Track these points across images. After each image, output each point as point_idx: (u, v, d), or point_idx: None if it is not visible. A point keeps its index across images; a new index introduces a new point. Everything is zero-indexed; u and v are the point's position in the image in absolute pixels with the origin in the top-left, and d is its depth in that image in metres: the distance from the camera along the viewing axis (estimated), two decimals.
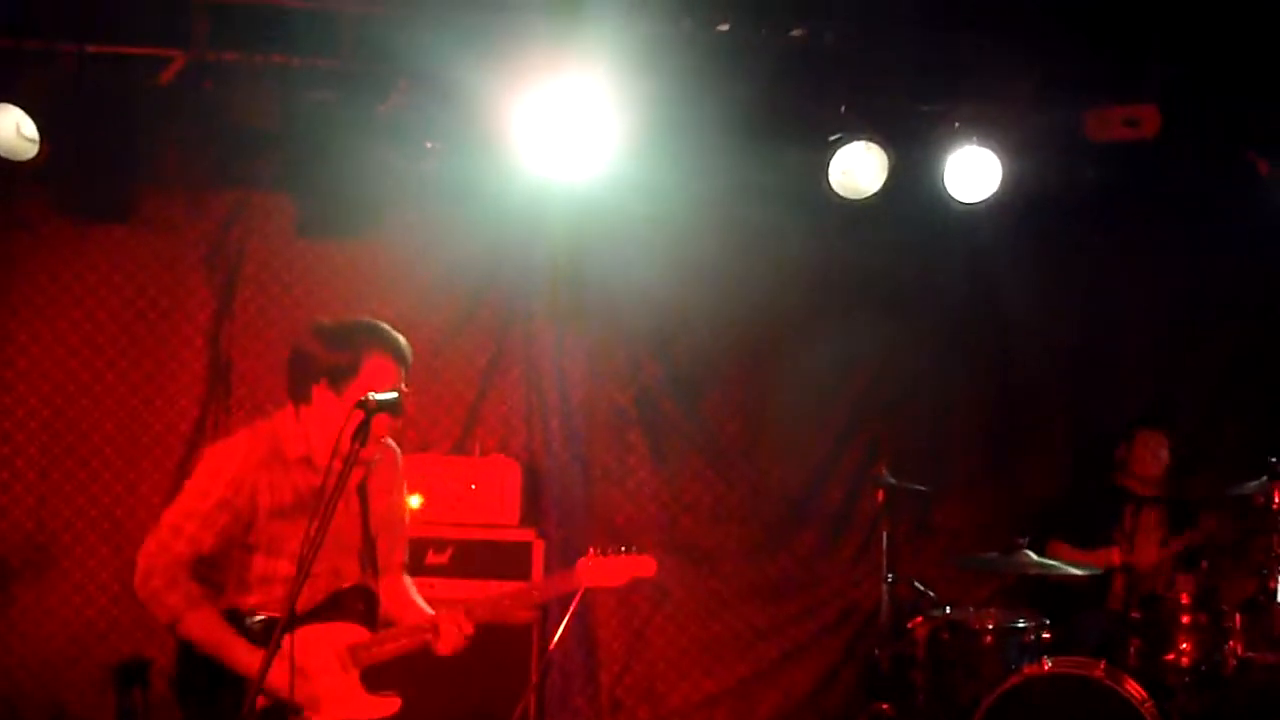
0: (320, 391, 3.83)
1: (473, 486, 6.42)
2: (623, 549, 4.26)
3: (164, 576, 3.74)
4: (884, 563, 6.54)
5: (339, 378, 3.79)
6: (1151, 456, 6.76)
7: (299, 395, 3.89)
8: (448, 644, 3.97)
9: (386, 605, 4.04)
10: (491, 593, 4.09)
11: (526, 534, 6.35)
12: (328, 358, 3.83)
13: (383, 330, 3.95)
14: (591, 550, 4.25)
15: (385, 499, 4.09)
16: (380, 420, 3.63)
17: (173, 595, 3.73)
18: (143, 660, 6.11)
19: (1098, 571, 6.20)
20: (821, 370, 7.33)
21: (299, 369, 3.90)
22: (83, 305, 6.64)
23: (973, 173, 6.50)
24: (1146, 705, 5.53)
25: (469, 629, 3.96)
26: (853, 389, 7.40)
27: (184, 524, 3.78)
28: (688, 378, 7.20)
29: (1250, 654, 5.78)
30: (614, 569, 4.23)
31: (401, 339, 3.93)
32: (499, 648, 5.99)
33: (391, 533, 4.16)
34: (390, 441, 4.07)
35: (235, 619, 3.80)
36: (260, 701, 3.46)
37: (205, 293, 6.77)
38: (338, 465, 3.51)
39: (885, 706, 6.38)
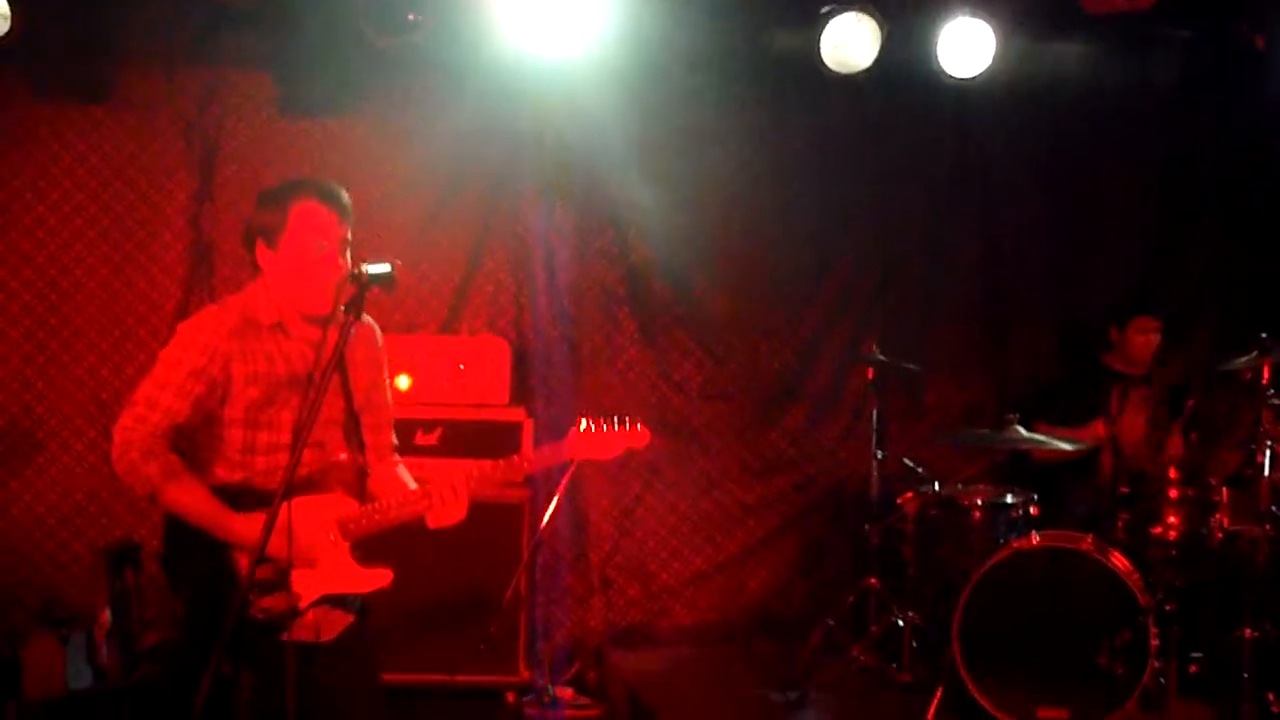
0: (262, 253, 3.85)
1: (461, 366, 6.39)
2: (615, 420, 4.19)
3: (141, 449, 3.72)
4: (873, 440, 6.56)
5: (271, 234, 3.82)
6: (1144, 341, 6.76)
7: (254, 265, 3.90)
8: (440, 514, 3.92)
9: (379, 489, 4.01)
10: (483, 466, 4.02)
11: (516, 413, 6.33)
12: (259, 218, 3.87)
13: (310, 179, 3.97)
14: (583, 421, 4.16)
15: (365, 373, 4.05)
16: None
17: (150, 466, 3.71)
18: (133, 542, 6.11)
19: (1085, 446, 6.24)
20: (811, 248, 7.31)
21: (244, 239, 3.94)
22: (60, 187, 6.51)
23: (966, 47, 6.43)
24: (1133, 577, 5.60)
25: (462, 497, 3.91)
26: (842, 266, 7.39)
27: (158, 395, 3.76)
28: (677, 256, 7.14)
29: (1236, 527, 5.83)
30: (606, 441, 4.16)
31: (334, 185, 3.90)
32: (489, 528, 6.00)
33: (375, 411, 4.12)
34: (368, 318, 4.02)
35: (223, 494, 3.78)
36: (259, 572, 3.43)
37: (184, 173, 6.65)
38: (332, 336, 3.50)
39: (874, 581, 6.44)
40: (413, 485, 4.03)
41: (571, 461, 4.22)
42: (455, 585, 6.01)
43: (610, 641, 6.95)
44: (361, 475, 3.97)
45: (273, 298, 3.88)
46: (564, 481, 5.55)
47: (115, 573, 5.90)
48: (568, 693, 6.41)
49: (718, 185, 7.12)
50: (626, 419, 4.21)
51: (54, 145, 6.51)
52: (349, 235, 3.86)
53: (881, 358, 6.53)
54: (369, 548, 3.97)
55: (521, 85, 6.65)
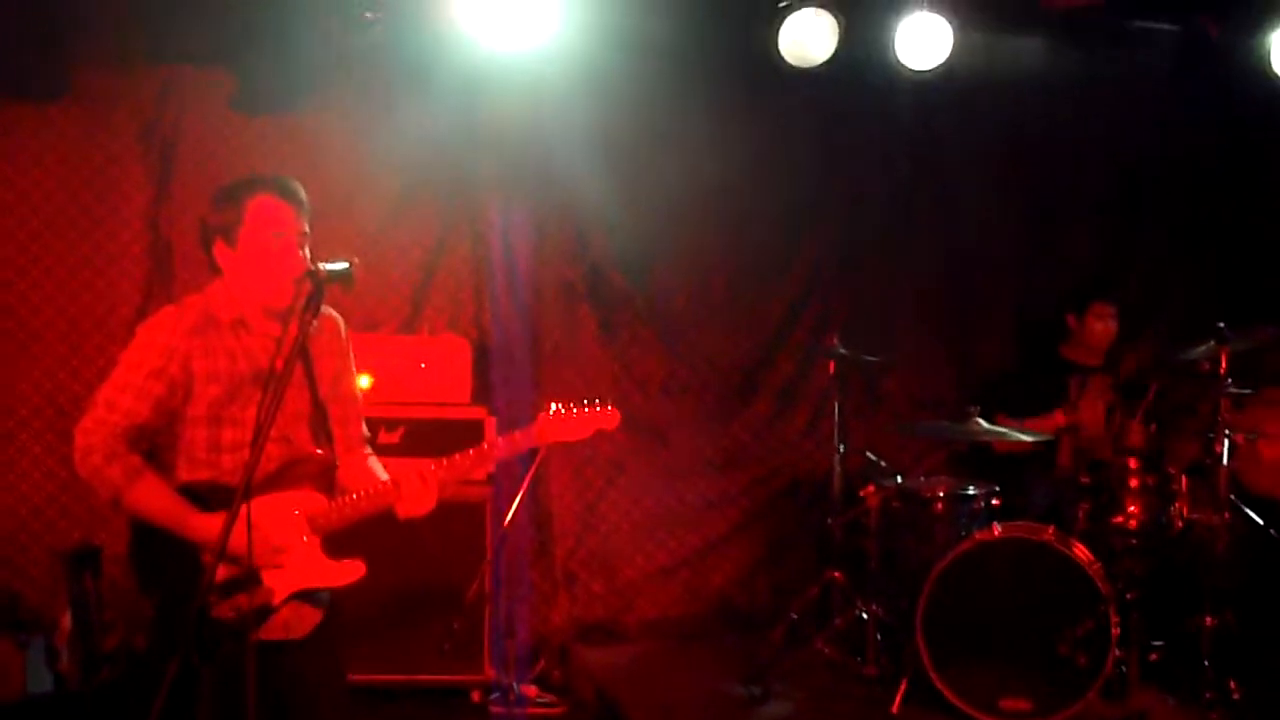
0: (221, 251, 3.85)
1: (423, 365, 6.38)
2: (584, 402, 4.19)
3: (103, 451, 3.70)
4: (835, 433, 6.58)
5: (229, 231, 3.81)
6: (1103, 328, 6.81)
7: (213, 264, 3.90)
8: (410, 504, 3.90)
9: (348, 481, 3.99)
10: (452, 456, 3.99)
11: (478, 412, 6.32)
12: (215, 216, 3.86)
13: (264, 176, 3.98)
14: (552, 405, 4.17)
15: (330, 365, 4.03)
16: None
17: (112, 469, 3.69)
18: (93, 546, 6.05)
19: (1045, 437, 6.28)
20: (771, 242, 7.33)
21: (201, 239, 3.93)
22: (15, 188, 6.42)
23: (924, 41, 6.45)
24: (1094, 567, 5.64)
25: (431, 486, 3.89)
26: (803, 261, 7.42)
27: (118, 397, 3.74)
28: (637, 251, 7.14)
29: (1195, 515, 5.88)
30: (576, 422, 4.17)
31: (289, 179, 3.90)
32: (452, 526, 5.98)
33: (343, 404, 4.09)
34: (331, 310, 4.01)
35: (190, 494, 3.75)
36: (222, 571, 3.41)
37: (141, 172, 6.59)
38: (291, 333, 3.50)
39: (838, 575, 6.45)
40: (384, 477, 4.01)
41: (537, 453, 4.21)
42: (419, 584, 5.99)
43: (575, 638, 6.94)
44: (330, 469, 3.94)
45: (233, 295, 3.86)
46: (528, 478, 5.55)
47: (75, 577, 5.85)
48: (533, 690, 6.39)
49: (678, 180, 7.09)
50: (596, 400, 4.22)
51: (7, 144, 6.42)
52: (307, 229, 3.85)
53: (843, 351, 6.54)
54: (334, 545, 3.95)
55: (482, 81, 6.61)
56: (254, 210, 3.79)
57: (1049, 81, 7.21)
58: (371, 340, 6.42)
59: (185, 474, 3.81)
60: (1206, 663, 5.67)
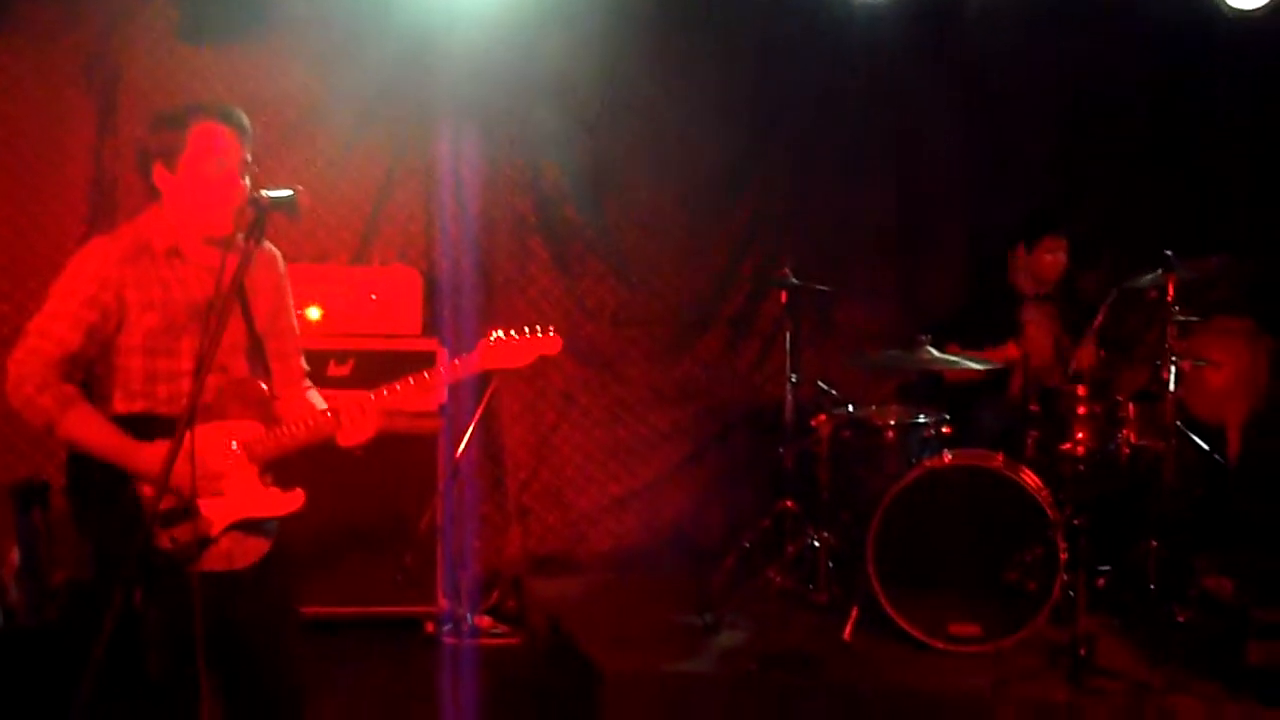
0: (160, 175, 3.79)
1: (373, 297, 6.34)
2: (525, 328, 4.17)
3: (34, 381, 3.64)
4: (787, 363, 6.59)
5: (170, 155, 3.76)
6: (1052, 260, 6.81)
7: (150, 190, 3.84)
8: (350, 431, 3.87)
9: (286, 414, 3.95)
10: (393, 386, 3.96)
11: (429, 343, 6.30)
12: (155, 140, 3.79)
13: (208, 101, 3.93)
14: (493, 332, 4.14)
15: (267, 298, 3.99)
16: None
17: (44, 398, 3.64)
18: (41, 480, 6.01)
19: (997, 367, 6.31)
20: (723, 173, 7.31)
21: (139, 163, 3.87)
22: None
23: None
24: (1043, 494, 5.69)
25: (371, 413, 3.86)
26: (754, 191, 7.41)
27: (50, 326, 3.69)
28: (589, 183, 7.12)
29: (1142, 442, 5.93)
30: (518, 349, 4.15)
31: (231, 106, 3.85)
32: (404, 459, 6.01)
33: (281, 338, 4.06)
34: (268, 244, 3.96)
35: (126, 425, 3.72)
36: (162, 502, 3.39)
37: (86, 105, 6.50)
38: (231, 261, 3.47)
39: (790, 504, 6.49)
40: (323, 407, 3.98)
41: (488, 385, 4.18)
42: (371, 518, 6.00)
43: (529, 569, 6.97)
44: (267, 399, 3.91)
45: (168, 223, 3.81)
46: (478, 410, 5.55)
47: (23, 511, 5.81)
48: (486, 621, 6.43)
49: (628, 111, 7.08)
50: (538, 326, 4.19)
51: None
52: (249, 157, 3.80)
53: (795, 281, 6.54)
54: (285, 478, 3.93)
55: (432, 13, 6.55)
56: (196, 135, 3.74)
57: (998, 14, 7.16)
58: (321, 271, 6.38)
59: (121, 405, 3.77)
60: (1152, 586, 5.73)
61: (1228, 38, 7.00)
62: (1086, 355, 6.37)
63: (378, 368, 6.06)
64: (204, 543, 3.71)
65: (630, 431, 7.26)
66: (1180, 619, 5.64)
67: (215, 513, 3.75)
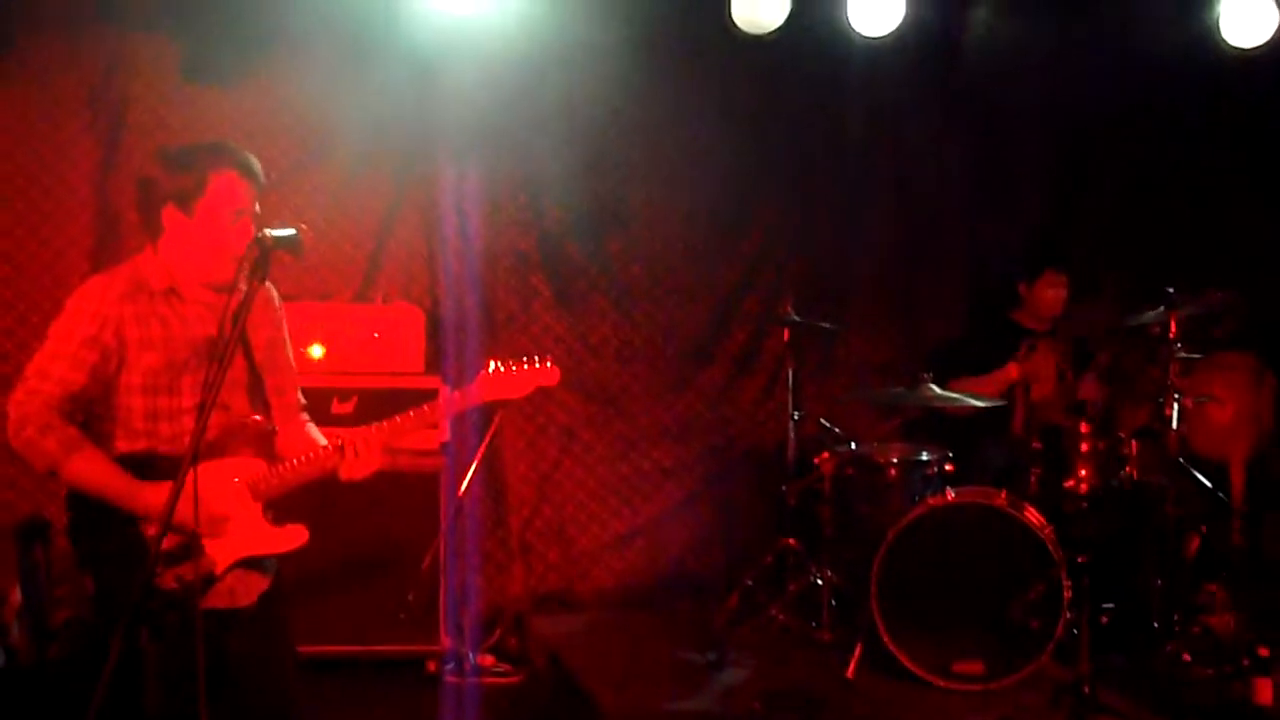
0: (170, 215, 3.77)
1: (376, 335, 6.34)
2: (524, 359, 4.17)
3: (36, 423, 3.64)
4: (790, 400, 6.59)
5: (186, 198, 3.74)
6: (1054, 295, 6.83)
7: (152, 227, 3.82)
8: (353, 465, 3.87)
9: (286, 449, 3.95)
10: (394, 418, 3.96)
11: (432, 381, 6.27)
12: (171, 181, 3.77)
13: (228, 146, 3.88)
14: (491, 363, 4.14)
15: (264, 334, 4.00)
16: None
17: (48, 441, 3.64)
18: (43, 519, 5.99)
19: (999, 403, 6.30)
20: (725, 209, 7.32)
21: (145, 198, 3.84)
22: None
23: (875, 7, 6.45)
24: (1046, 531, 5.68)
25: (374, 447, 3.87)
26: (756, 227, 7.42)
27: (50, 367, 3.68)
28: (591, 220, 7.12)
29: (1145, 478, 5.93)
30: (516, 380, 4.15)
31: (249, 155, 3.85)
32: (407, 497, 5.97)
33: (278, 373, 4.07)
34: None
35: (127, 464, 3.71)
36: (164, 541, 3.38)
37: (89, 142, 6.49)
38: (235, 302, 3.47)
39: (792, 542, 6.49)
40: (323, 442, 3.98)
41: (491, 422, 4.18)
42: (373, 556, 5.97)
43: (531, 607, 6.94)
44: (269, 435, 3.92)
45: (165, 263, 3.81)
46: (481, 447, 5.54)
47: (25, 551, 5.79)
48: (489, 659, 6.40)
49: (630, 148, 7.10)
50: (536, 357, 4.19)
51: None
52: (258, 209, 3.83)
53: (797, 318, 6.55)
54: (284, 513, 3.92)
55: (433, 49, 6.57)
56: (217, 185, 3.74)
57: (999, 48, 7.21)
58: (324, 309, 6.37)
59: (123, 444, 3.76)
60: (1156, 624, 5.72)
61: (1228, 68, 7.01)
62: (1089, 390, 6.37)
63: (381, 405, 5.95)
64: (209, 581, 3.71)
65: (633, 468, 7.25)
66: (1184, 657, 5.62)
67: (219, 551, 3.75)
